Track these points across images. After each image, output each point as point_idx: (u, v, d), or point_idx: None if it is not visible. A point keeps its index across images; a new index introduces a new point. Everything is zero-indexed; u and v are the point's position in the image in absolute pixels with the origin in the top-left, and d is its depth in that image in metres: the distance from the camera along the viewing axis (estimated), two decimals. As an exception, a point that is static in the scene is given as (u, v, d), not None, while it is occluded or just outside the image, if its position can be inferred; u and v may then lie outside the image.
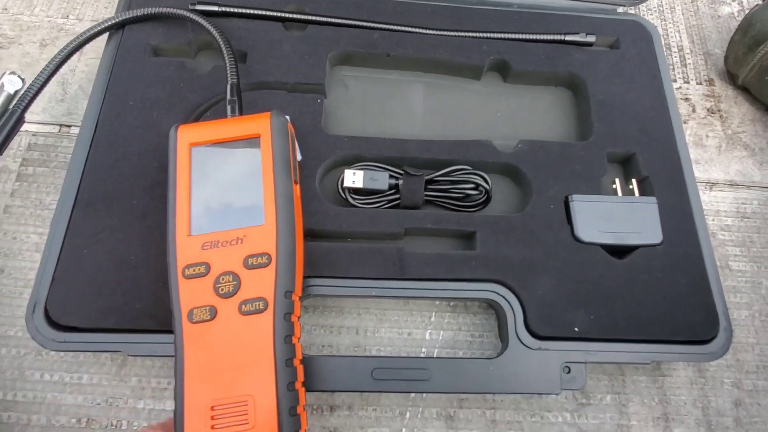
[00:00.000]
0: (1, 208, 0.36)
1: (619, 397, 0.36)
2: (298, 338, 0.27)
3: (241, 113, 0.32)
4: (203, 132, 0.29)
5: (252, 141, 0.28)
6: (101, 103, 0.34)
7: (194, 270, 0.25)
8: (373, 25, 0.40)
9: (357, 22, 0.40)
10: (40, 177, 0.37)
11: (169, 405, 0.32)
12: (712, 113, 0.46)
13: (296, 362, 0.26)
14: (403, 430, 0.34)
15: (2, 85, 0.30)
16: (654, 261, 0.34)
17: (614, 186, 0.37)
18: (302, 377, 0.27)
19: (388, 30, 0.40)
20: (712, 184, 0.43)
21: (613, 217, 0.35)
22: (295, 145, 0.31)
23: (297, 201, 0.30)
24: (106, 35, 0.37)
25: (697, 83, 0.47)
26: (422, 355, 0.35)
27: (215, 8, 0.38)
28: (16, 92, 0.31)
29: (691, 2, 0.52)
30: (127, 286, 0.30)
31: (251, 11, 0.38)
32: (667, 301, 0.33)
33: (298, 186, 0.30)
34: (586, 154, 0.37)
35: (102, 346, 0.29)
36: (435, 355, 0.35)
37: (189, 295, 0.25)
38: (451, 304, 0.37)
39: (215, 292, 0.25)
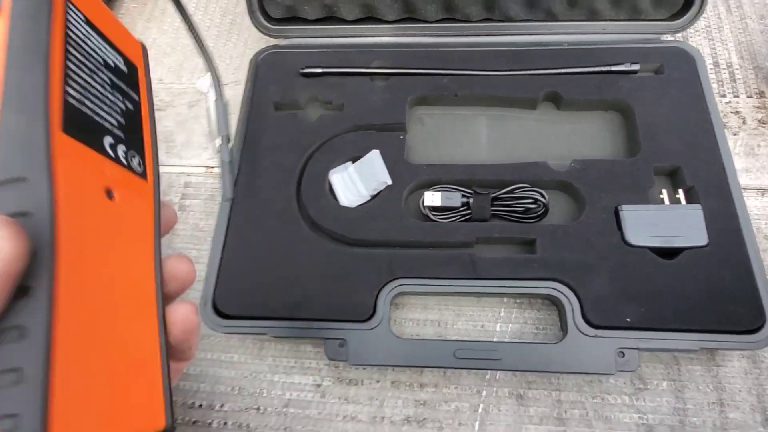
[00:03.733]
0: (172, 232, 0.48)
1: (674, 384, 0.40)
2: None
3: None
4: None
5: None
6: (241, 149, 0.46)
7: None
8: (442, 71, 0.48)
9: (429, 71, 0.48)
10: (195, 207, 0.49)
11: (297, 379, 0.42)
12: (763, 124, 0.50)
13: None
14: (481, 405, 0.41)
15: (207, 93, 0.40)
16: (700, 261, 0.39)
17: (661, 196, 0.43)
18: None
19: (455, 74, 0.48)
20: (764, 191, 0.47)
21: (660, 223, 0.40)
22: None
23: None
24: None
25: (747, 96, 0.51)
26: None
27: (319, 70, 0.48)
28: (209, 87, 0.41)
29: (740, 20, 0.55)
30: (268, 286, 0.40)
31: (346, 70, 0.48)
32: (713, 296, 0.38)
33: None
34: (634, 169, 0.43)
35: (253, 330, 0.39)
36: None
37: None
38: (518, 301, 0.44)
39: None
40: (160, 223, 0.22)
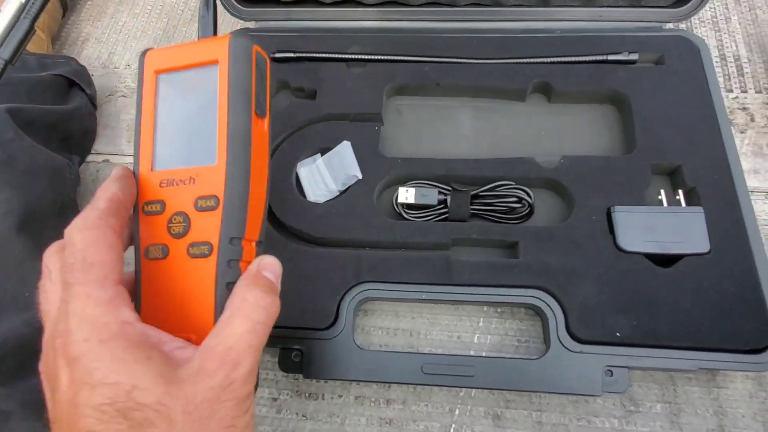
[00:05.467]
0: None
1: (670, 407, 0.36)
2: None
3: (215, 33, 0.29)
4: (170, 57, 0.26)
5: (211, 68, 0.25)
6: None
7: (152, 207, 0.25)
8: (424, 59, 0.45)
9: (410, 58, 0.45)
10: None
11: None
12: (774, 122, 0.45)
13: None
14: (453, 425, 0.37)
15: None
16: (701, 270, 0.35)
17: (660, 197, 0.39)
18: None
19: (438, 62, 0.44)
20: (773, 194, 0.42)
21: (657, 226, 0.36)
22: (266, 76, 0.28)
23: (260, 138, 0.26)
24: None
25: (756, 92, 0.47)
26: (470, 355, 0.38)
27: (291, 54, 0.45)
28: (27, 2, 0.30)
29: (749, 11, 0.51)
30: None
31: (320, 55, 0.45)
32: (715, 310, 0.34)
33: (265, 120, 0.27)
34: (629, 167, 0.39)
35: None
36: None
37: (147, 231, 0.25)
38: (498, 310, 0.40)
39: (168, 232, 0.25)
40: None
